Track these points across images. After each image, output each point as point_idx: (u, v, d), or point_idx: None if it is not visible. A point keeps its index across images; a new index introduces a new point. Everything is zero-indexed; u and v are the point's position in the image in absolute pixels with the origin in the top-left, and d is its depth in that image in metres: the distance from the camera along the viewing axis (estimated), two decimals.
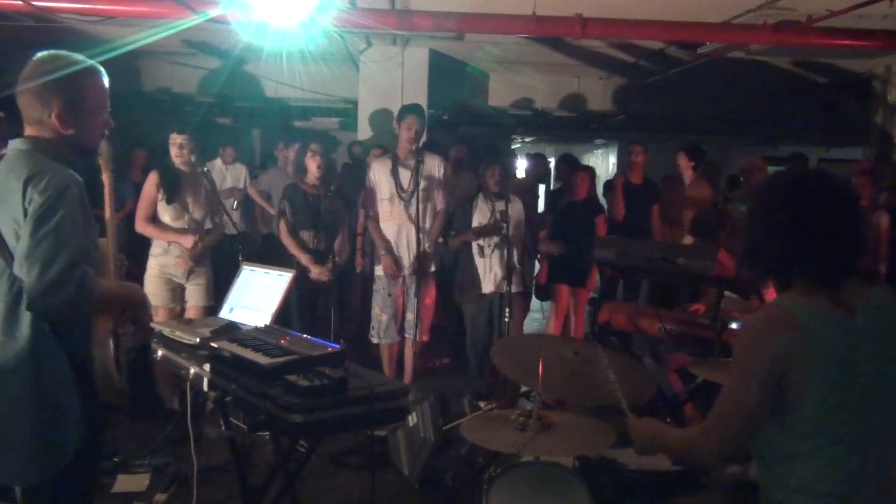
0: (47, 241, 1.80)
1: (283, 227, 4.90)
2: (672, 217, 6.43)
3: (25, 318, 1.89)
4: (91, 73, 2.04)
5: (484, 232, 4.97)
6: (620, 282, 6.53)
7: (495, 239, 4.95)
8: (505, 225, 4.83)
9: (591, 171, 6.18)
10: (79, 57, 2.03)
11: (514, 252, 4.93)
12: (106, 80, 2.07)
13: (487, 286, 5.00)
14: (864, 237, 1.79)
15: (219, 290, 4.56)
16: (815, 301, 1.71)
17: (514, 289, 4.78)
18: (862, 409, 1.70)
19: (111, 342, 2.08)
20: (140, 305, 2.13)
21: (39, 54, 2.00)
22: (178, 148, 4.58)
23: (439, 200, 5.07)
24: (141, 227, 4.52)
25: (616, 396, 2.23)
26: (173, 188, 4.52)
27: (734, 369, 1.78)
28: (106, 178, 2.29)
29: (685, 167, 6.52)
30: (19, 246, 1.83)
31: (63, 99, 1.96)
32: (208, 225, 4.74)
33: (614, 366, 2.36)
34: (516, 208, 5.06)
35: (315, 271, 4.76)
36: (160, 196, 4.51)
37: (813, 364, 1.67)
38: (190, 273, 4.58)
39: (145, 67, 8.12)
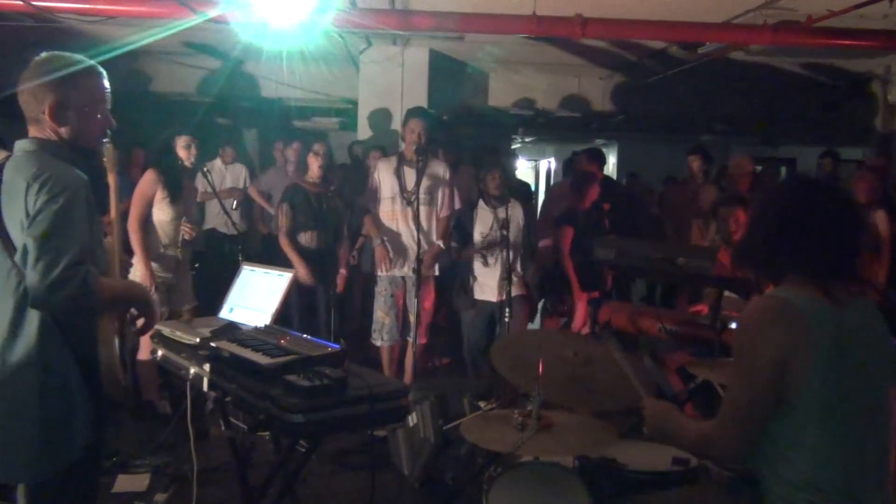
0: (52, 239, 1.80)
1: (282, 232, 4.92)
2: (679, 223, 6.36)
3: (33, 316, 1.90)
4: (88, 72, 2.04)
5: (487, 246, 4.93)
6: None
7: (498, 248, 4.89)
8: (505, 232, 4.81)
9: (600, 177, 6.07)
10: (78, 57, 2.04)
11: (515, 256, 4.90)
12: (106, 81, 2.08)
13: (489, 294, 4.95)
14: (858, 240, 1.82)
15: (219, 290, 4.55)
16: (809, 293, 1.74)
17: (514, 291, 4.74)
18: (857, 401, 1.71)
19: (117, 340, 2.09)
20: (146, 303, 2.14)
21: (39, 55, 2.01)
22: (186, 149, 4.55)
23: (445, 205, 5.05)
24: (134, 227, 4.35)
25: (628, 382, 2.25)
26: (178, 188, 4.49)
27: (738, 363, 1.78)
28: (111, 179, 2.30)
29: (698, 170, 6.36)
30: (23, 243, 1.83)
31: (56, 96, 1.96)
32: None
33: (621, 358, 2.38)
34: (516, 213, 5.05)
35: (302, 272, 4.75)
36: (163, 195, 4.45)
37: (813, 355, 1.68)
38: (174, 275, 4.54)
39: (145, 68, 8.11)
